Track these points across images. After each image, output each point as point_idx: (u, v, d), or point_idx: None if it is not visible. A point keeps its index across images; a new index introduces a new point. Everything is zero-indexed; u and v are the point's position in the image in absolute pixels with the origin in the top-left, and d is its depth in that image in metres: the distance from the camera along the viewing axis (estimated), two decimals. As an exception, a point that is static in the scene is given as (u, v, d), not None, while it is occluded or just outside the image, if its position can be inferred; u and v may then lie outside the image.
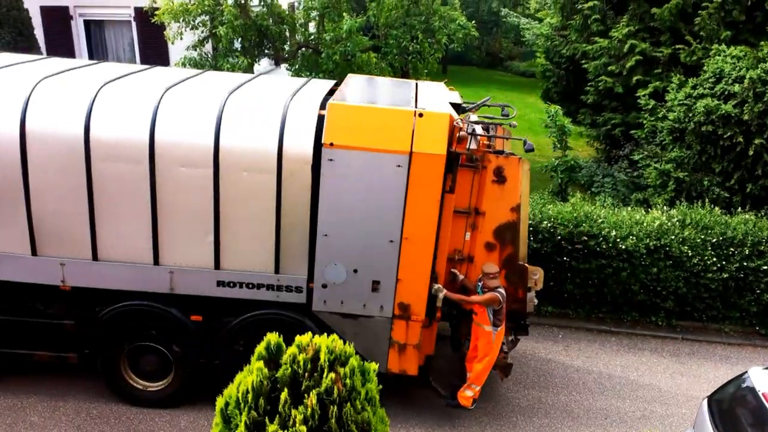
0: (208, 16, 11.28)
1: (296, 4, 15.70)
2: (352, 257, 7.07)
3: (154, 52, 13.14)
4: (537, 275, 7.53)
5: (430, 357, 7.48)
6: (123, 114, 6.58)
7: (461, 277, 7.31)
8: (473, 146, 6.83)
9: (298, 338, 4.16)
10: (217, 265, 7.08)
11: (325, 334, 4.24)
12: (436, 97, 7.62)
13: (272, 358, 4.10)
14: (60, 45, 13.16)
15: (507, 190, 7.13)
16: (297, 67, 12.75)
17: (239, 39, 11.42)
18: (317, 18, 12.69)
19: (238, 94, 7.06)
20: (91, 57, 13.54)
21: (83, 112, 6.59)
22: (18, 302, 7.43)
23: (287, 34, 12.48)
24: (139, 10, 12.57)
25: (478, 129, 7.30)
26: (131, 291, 7.15)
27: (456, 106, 7.55)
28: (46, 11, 13.08)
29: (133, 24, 13.15)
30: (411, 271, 7.04)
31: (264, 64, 14.49)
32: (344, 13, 11.97)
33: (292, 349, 4.03)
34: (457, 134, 6.63)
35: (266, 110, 6.78)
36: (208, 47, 11.81)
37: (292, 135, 6.63)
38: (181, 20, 10.95)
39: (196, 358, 7.36)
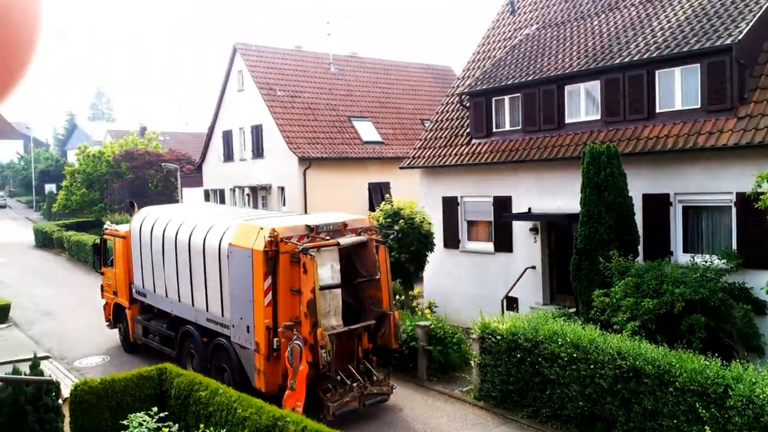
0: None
1: None
2: (239, 309, 11.88)
3: (753, 237, 12.45)
4: (326, 339, 10.92)
5: (280, 384, 11.19)
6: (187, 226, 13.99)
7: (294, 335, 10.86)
8: (296, 249, 11.15)
9: None
10: (206, 309, 13.14)
11: None
12: (297, 220, 12.57)
13: None
14: (656, 227, 13.95)
15: (308, 277, 11.02)
16: None
17: None
18: None
19: (225, 218, 13.57)
20: (685, 239, 13.80)
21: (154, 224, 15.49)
22: (159, 320, 15.36)
23: None
24: (741, 196, 12.28)
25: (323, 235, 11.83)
26: (186, 319, 13.96)
27: (309, 227, 11.71)
28: (647, 198, 14.17)
29: (733, 209, 12.87)
30: (257, 321, 11.38)
31: None
32: None
33: None
34: (267, 239, 11.12)
35: (221, 226, 12.82)
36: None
37: (225, 239, 12.35)
38: (788, 204, 10.15)
39: (203, 362, 13.19)
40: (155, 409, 8.84)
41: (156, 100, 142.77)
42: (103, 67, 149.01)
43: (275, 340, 11.16)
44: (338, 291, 11.72)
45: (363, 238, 12.26)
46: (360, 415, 11.98)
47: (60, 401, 10.07)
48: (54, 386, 9.92)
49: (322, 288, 11.25)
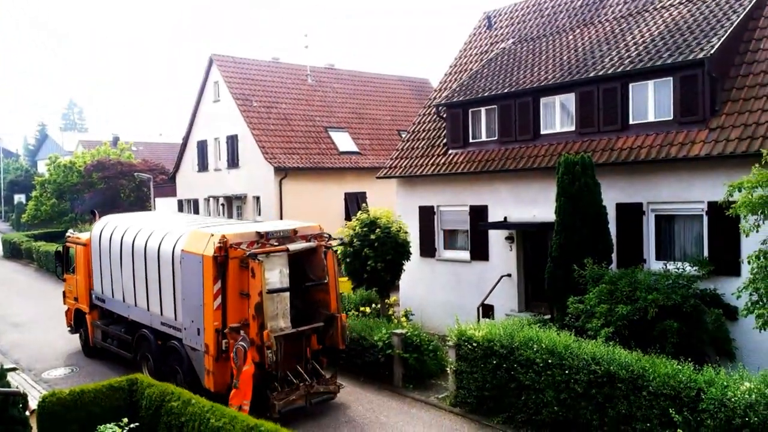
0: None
1: None
2: (190, 313, 12.30)
3: (724, 244, 12.69)
4: (272, 340, 11.38)
5: (229, 384, 11.55)
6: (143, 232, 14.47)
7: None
8: (245, 254, 11.63)
9: None
10: (161, 313, 13.55)
11: None
12: (248, 227, 13.07)
13: None
14: (630, 236, 14.13)
15: (256, 281, 11.54)
16: None
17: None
18: None
19: (181, 225, 13.93)
20: (658, 247, 13.99)
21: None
22: (118, 325, 15.60)
23: None
24: (712, 205, 12.51)
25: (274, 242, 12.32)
26: (142, 323, 14.27)
27: (260, 233, 12.23)
28: (621, 207, 14.38)
29: (704, 218, 13.11)
30: (207, 324, 11.81)
31: None
32: None
33: None
34: (217, 245, 11.60)
35: (176, 233, 13.26)
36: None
37: (178, 245, 12.79)
38: (759, 213, 10.34)
39: (157, 363, 13.63)
40: (125, 420, 8.64)
41: (131, 108, 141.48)
42: (84, 71, 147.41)
43: (224, 341, 11.69)
44: (287, 294, 12.14)
45: (312, 244, 12.81)
46: (335, 423, 11.95)
47: (27, 413, 9.79)
48: (21, 398, 9.65)
49: (270, 291, 11.75)
